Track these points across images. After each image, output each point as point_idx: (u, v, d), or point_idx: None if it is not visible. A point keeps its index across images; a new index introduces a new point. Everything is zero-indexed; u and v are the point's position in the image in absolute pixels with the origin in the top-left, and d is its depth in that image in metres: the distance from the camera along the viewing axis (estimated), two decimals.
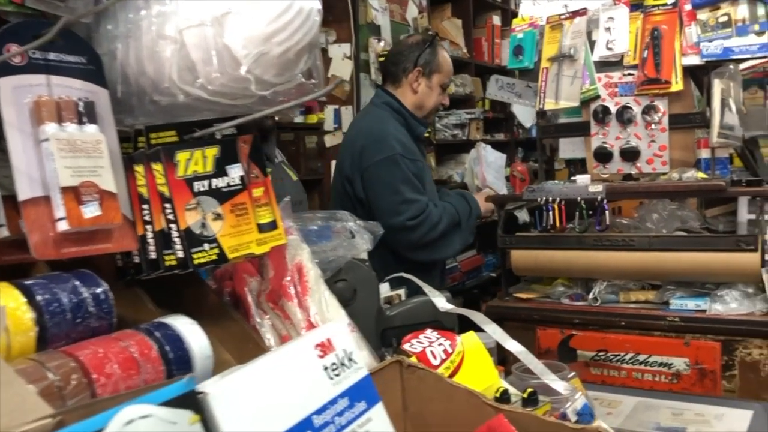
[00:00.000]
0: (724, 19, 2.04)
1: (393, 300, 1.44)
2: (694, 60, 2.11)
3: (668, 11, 2.13)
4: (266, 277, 0.91)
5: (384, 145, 2.40)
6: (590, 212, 2.31)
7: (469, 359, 1.13)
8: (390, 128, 2.46)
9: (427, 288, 1.21)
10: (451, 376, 1.09)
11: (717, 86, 2.05)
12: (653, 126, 2.18)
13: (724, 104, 2.07)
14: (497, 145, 5.22)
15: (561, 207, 2.28)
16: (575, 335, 2.30)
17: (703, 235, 2.22)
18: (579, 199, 2.24)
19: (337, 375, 0.60)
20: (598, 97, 2.24)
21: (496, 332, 1.20)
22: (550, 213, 2.30)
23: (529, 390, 1.10)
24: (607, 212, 2.22)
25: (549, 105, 2.30)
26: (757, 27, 2.00)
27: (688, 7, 2.11)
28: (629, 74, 2.20)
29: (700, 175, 2.16)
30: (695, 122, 2.14)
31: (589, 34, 2.28)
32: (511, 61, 2.40)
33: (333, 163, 3.82)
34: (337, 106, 3.76)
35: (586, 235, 2.26)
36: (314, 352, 0.59)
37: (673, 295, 2.19)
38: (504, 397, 1.10)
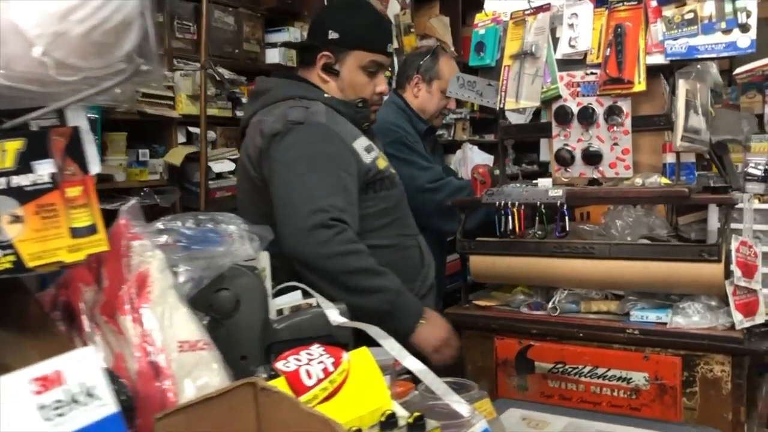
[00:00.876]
0: (690, 16, 1.93)
1: (302, 309, 1.34)
2: (658, 59, 2.00)
3: (633, 7, 2.03)
4: (102, 286, 0.82)
5: (389, 131, 2.58)
6: (557, 217, 2.20)
7: (356, 378, 1.03)
8: (392, 118, 2.66)
9: (320, 299, 1.11)
10: (330, 397, 0.99)
11: (682, 87, 1.95)
12: (616, 128, 2.08)
13: (689, 106, 1.96)
14: (487, 147, 5.12)
15: (520, 212, 2.18)
16: (533, 346, 2.20)
17: (665, 243, 2.11)
18: (539, 203, 2.14)
19: (60, 415, 0.50)
20: (559, 96, 2.14)
21: (393, 348, 1.10)
22: (510, 217, 2.20)
23: (416, 414, 1.00)
24: (567, 218, 2.12)
25: (509, 104, 2.20)
26: (723, 25, 1.89)
27: (654, 3, 2.00)
28: (592, 73, 2.09)
29: (664, 180, 2.06)
30: (659, 125, 2.03)
31: (553, 30, 2.18)
32: (473, 58, 2.30)
33: None
34: None
35: (545, 242, 2.16)
36: (28, 388, 0.50)
37: (635, 306, 2.08)
38: (390, 421, 1.00)
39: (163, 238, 1.00)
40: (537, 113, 2.66)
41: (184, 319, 0.83)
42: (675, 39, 1.95)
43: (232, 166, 2.95)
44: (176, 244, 1.07)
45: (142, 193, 2.74)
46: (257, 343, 1.07)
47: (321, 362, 1.00)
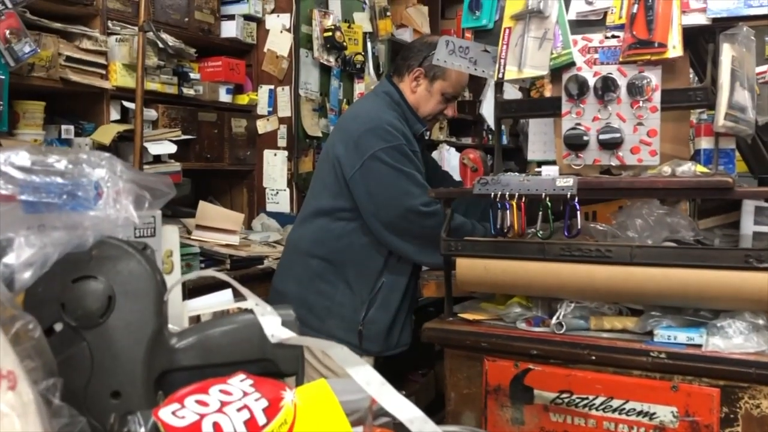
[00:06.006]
0: None
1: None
2: (698, 19, 1.62)
3: None
4: None
5: (388, 134, 2.25)
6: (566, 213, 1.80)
7: (306, 428, 0.60)
8: (391, 118, 2.31)
9: (252, 297, 0.68)
10: None
11: (727, 53, 1.57)
12: (641, 104, 1.69)
13: (734, 78, 1.58)
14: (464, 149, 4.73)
15: (521, 205, 1.78)
16: (532, 370, 1.80)
17: (699, 247, 1.73)
18: (544, 195, 1.74)
19: None
20: (572, 64, 1.75)
21: (370, 380, 0.67)
22: (507, 212, 1.80)
23: None
24: (579, 213, 1.72)
25: (510, 74, 1.80)
26: None
27: None
28: (613, 36, 1.71)
29: (700, 169, 1.68)
30: (695, 100, 1.65)
31: None
32: (466, 18, 1.91)
33: (265, 153, 3.30)
34: (272, 86, 3.22)
35: (550, 243, 1.77)
36: None
37: (659, 324, 1.70)
38: None
39: None
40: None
41: None
42: None
43: (173, 149, 2.49)
44: (9, 199, 0.64)
45: None
46: (141, 370, 0.63)
47: (244, 408, 0.57)
